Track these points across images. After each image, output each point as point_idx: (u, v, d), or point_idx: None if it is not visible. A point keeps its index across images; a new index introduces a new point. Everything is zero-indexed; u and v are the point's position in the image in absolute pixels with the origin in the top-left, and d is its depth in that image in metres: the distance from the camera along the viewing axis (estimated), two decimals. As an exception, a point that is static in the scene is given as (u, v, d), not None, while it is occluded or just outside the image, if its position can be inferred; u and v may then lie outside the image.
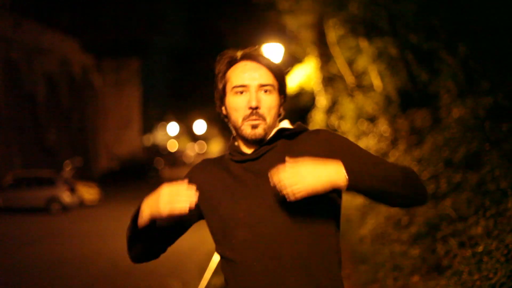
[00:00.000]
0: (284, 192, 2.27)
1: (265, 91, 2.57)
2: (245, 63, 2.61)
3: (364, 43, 17.02)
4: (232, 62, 2.64)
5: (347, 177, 2.30)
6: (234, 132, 2.69)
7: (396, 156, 13.29)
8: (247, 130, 2.57)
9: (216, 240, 2.64)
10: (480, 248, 5.37)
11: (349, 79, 19.43)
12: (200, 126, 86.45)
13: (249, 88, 2.56)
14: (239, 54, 2.65)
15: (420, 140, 12.30)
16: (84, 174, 40.77)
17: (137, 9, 52.67)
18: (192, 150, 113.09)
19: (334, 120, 20.97)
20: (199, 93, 62.96)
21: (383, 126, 16.14)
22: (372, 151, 15.38)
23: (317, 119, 22.27)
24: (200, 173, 2.76)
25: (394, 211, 9.66)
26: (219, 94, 2.68)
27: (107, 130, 56.36)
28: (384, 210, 10.57)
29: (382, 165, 2.45)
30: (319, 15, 20.01)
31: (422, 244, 7.37)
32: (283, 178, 2.26)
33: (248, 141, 2.62)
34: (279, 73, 2.64)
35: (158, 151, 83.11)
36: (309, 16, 20.85)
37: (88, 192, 33.13)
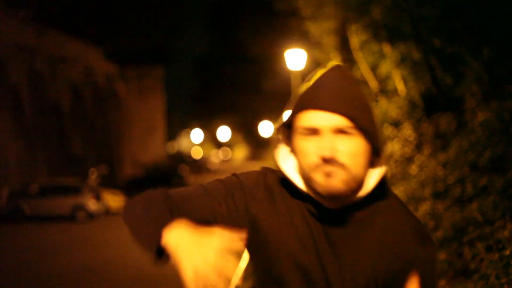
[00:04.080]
0: None
1: (345, 134, 1.93)
2: (322, 112, 1.95)
3: (387, 48, 17.04)
4: (303, 108, 1.99)
5: None
6: (295, 175, 2.08)
7: (421, 160, 13.28)
8: (318, 179, 1.94)
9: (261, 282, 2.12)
10: (507, 252, 5.37)
11: (373, 84, 19.44)
12: (224, 133, 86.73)
13: (322, 131, 1.94)
14: (312, 100, 1.98)
15: (445, 144, 12.29)
16: (109, 182, 41.08)
17: (159, 18, 52.99)
18: (217, 157, 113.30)
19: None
20: (223, 100, 63.18)
21: (407, 130, 16.12)
22: (397, 156, 15.43)
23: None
24: (265, 196, 2.12)
25: (420, 215, 9.66)
26: (286, 123, 2.09)
27: (131, 138, 56.68)
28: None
29: None
30: (341, 21, 20.07)
31: (448, 248, 7.37)
32: None
33: (321, 197, 1.99)
34: (363, 114, 1.97)
35: (183, 158, 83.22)
36: (332, 22, 20.92)
37: (114, 200, 33.42)
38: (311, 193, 2.03)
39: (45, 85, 38.64)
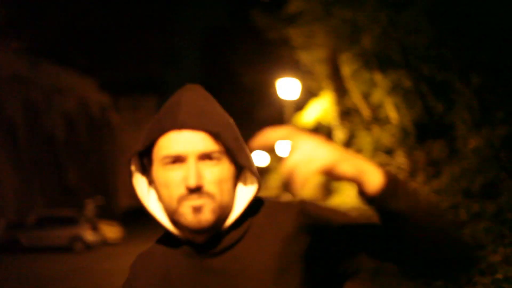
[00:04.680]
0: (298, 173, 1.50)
1: (210, 160, 1.79)
2: (180, 131, 1.78)
3: (378, 76, 17.23)
4: (163, 130, 1.80)
5: (385, 178, 1.56)
6: (164, 217, 1.89)
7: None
8: (186, 213, 1.77)
9: None
10: (499, 276, 5.53)
11: (365, 112, 19.61)
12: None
13: (186, 159, 1.78)
14: (172, 119, 1.80)
15: (437, 171, 12.46)
16: (105, 213, 41.19)
17: (152, 48, 53.38)
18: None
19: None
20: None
21: (400, 158, 16.28)
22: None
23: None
24: (142, 275, 2.01)
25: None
26: (144, 163, 1.90)
27: (126, 168, 57.05)
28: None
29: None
30: (332, 50, 20.31)
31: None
32: (295, 162, 1.50)
33: (190, 231, 1.83)
34: (227, 132, 1.83)
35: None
36: (323, 51, 21.16)
37: (111, 231, 33.59)
38: (177, 230, 1.89)
39: (40, 115, 38.87)
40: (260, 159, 35.22)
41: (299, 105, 27.95)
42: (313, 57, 22.27)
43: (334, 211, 1.89)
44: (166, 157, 1.77)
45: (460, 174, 10.28)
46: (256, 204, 1.93)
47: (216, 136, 1.78)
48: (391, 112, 17.46)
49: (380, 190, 1.55)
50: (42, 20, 38.96)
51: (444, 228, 1.62)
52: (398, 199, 1.56)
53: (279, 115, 33.24)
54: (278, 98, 27.13)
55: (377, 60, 16.62)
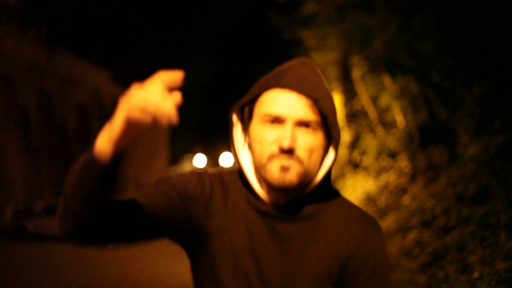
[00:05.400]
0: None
1: (306, 128, 1.89)
2: (284, 90, 1.89)
3: (387, 80, 17.42)
4: (268, 86, 1.92)
5: None
6: (251, 170, 2.01)
7: (414, 191, 13.66)
8: (274, 171, 1.87)
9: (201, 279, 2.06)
10: (475, 274, 5.82)
11: (372, 115, 19.80)
12: (227, 159, 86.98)
13: (284, 122, 1.88)
14: (278, 78, 1.92)
15: (436, 176, 12.70)
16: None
17: (167, 41, 53.48)
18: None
19: (356, 156, 21.38)
20: (227, 126, 63.73)
21: (403, 162, 16.49)
22: (392, 186, 15.82)
23: (339, 154, 22.59)
24: (218, 189, 2.06)
25: (408, 243, 10.07)
26: (244, 116, 2.02)
27: (135, 161, 57.00)
28: (398, 242, 10.98)
29: None
30: (343, 53, 20.50)
31: (428, 272, 7.81)
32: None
33: (271, 188, 1.93)
34: (328, 104, 1.93)
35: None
36: (335, 53, 21.35)
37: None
38: (260, 187, 1.99)
39: (53, 105, 39.09)
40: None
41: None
42: (325, 58, 22.46)
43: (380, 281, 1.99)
44: (266, 115, 1.89)
45: (457, 180, 10.52)
46: (338, 194, 2.06)
47: (315, 101, 1.87)
48: (398, 116, 17.65)
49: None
50: (58, 10, 39.12)
51: None
52: None
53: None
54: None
55: (386, 65, 16.81)
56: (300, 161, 1.86)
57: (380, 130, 19.08)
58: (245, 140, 2.02)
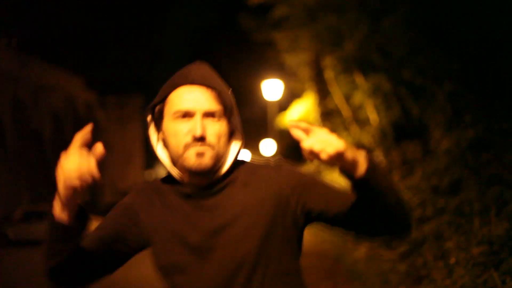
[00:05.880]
0: (320, 153, 1.99)
1: (212, 117, 2.23)
2: (190, 87, 2.24)
3: (360, 79, 17.64)
4: (175, 85, 2.27)
5: (368, 164, 2.08)
6: (168, 163, 2.32)
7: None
8: (190, 157, 2.19)
9: (166, 272, 2.35)
10: (452, 260, 6.29)
11: (346, 113, 20.03)
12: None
13: (194, 115, 2.21)
14: (184, 77, 2.27)
15: (411, 170, 13.08)
16: (90, 208, 41.43)
17: (139, 47, 53.50)
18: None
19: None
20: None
21: (378, 158, 16.81)
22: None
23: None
24: (145, 199, 2.40)
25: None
26: (155, 116, 2.34)
27: (111, 166, 56.95)
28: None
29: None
30: (316, 54, 20.70)
31: (408, 261, 8.27)
32: (313, 143, 2.00)
33: (191, 173, 2.25)
34: (227, 95, 2.28)
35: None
36: (307, 54, 21.56)
37: (95, 226, 33.87)
38: (180, 175, 2.30)
39: (28, 112, 39.07)
40: (268, 148, 35.56)
41: (283, 106, 28.44)
42: (297, 60, 22.65)
43: (314, 178, 2.33)
44: (177, 112, 2.22)
45: (431, 173, 10.93)
46: (245, 163, 2.39)
47: (219, 94, 2.24)
48: (371, 113, 17.90)
49: (366, 172, 2.05)
50: (31, 18, 39.06)
51: (398, 199, 2.15)
52: (376, 178, 2.07)
53: (263, 115, 33.69)
54: (263, 98, 27.63)
55: (358, 64, 17.06)
56: (211, 146, 2.20)
57: (354, 128, 19.35)
58: (158, 137, 2.36)
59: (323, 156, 1.99)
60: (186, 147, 2.20)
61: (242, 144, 2.34)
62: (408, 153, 14.33)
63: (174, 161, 2.29)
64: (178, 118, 2.22)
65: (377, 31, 14.95)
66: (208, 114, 2.22)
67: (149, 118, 2.34)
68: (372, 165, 2.08)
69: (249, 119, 45.76)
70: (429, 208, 9.22)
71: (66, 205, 2.08)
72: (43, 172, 40.24)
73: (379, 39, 14.92)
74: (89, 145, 1.98)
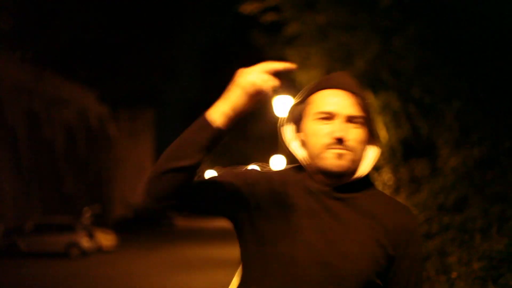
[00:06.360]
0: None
1: (354, 124, 2.26)
2: (334, 91, 2.28)
3: (370, 97, 17.79)
4: (319, 87, 2.32)
5: None
6: (304, 159, 2.34)
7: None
8: (329, 158, 2.22)
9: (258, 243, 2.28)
10: (454, 274, 6.45)
11: (356, 130, 20.09)
12: (211, 174, 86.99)
13: (335, 117, 2.24)
14: (328, 81, 2.33)
15: (419, 188, 13.20)
16: (101, 221, 41.72)
17: (152, 61, 53.74)
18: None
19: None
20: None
21: (387, 175, 16.91)
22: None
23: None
24: (267, 185, 2.35)
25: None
26: (294, 117, 2.39)
27: (122, 179, 57.16)
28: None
29: None
30: (327, 70, 20.84)
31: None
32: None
33: (326, 174, 2.26)
34: (368, 103, 2.30)
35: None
36: (318, 71, 21.72)
37: (106, 238, 34.16)
38: (313, 172, 2.30)
39: (41, 125, 39.35)
40: (278, 164, 35.94)
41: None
42: (308, 76, 22.81)
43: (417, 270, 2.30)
44: (320, 112, 2.26)
45: (438, 190, 11.06)
46: (378, 189, 2.40)
47: (361, 100, 2.26)
48: (381, 131, 18.03)
49: None
50: (45, 31, 39.39)
51: None
52: None
53: (274, 132, 33.86)
54: (274, 114, 27.79)
55: (368, 82, 17.19)
56: (350, 150, 2.22)
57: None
58: (296, 137, 2.39)
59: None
60: (326, 147, 2.22)
61: (379, 152, 2.35)
62: (416, 170, 14.45)
63: (311, 160, 2.30)
64: (319, 119, 2.26)
65: (387, 50, 15.08)
66: (350, 119, 2.24)
67: (283, 120, 2.41)
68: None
69: (260, 135, 45.92)
70: (434, 225, 9.36)
71: (231, 111, 2.16)
72: (55, 184, 40.49)
73: (389, 58, 15.06)
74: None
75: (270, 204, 2.28)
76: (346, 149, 2.21)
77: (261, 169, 2.48)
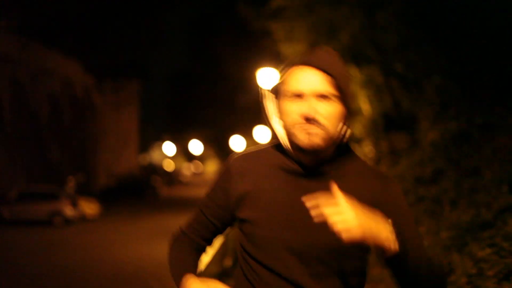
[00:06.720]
0: (339, 229, 2.00)
1: (324, 100, 2.26)
2: (305, 68, 2.29)
3: (353, 70, 17.94)
4: (293, 63, 2.34)
5: (397, 247, 2.12)
6: (284, 137, 2.38)
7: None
8: (300, 136, 2.26)
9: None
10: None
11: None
12: (196, 147, 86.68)
13: (305, 96, 2.26)
14: (302, 58, 2.34)
15: (398, 160, 13.46)
16: (84, 190, 41.86)
17: (138, 32, 53.47)
18: (188, 170, 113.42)
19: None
20: (196, 114, 63.59)
21: (367, 147, 17.15)
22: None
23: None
24: (250, 168, 2.44)
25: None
26: (274, 90, 2.43)
27: (106, 149, 57.12)
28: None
29: (424, 249, 2.31)
30: (311, 44, 20.98)
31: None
32: (338, 213, 2.01)
33: (300, 151, 2.31)
34: (343, 80, 2.29)
35: (155, 170, 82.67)
36: (303, 45, 21.84)
37: (89, 207, 34.22)
38: (291, 150, 2.34)
39: (26, 95, 39.25)
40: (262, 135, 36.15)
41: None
42: (293, 49, 22.90)
43: (407, 216, 2.39)
44: (290, 92, 2.30)
45: (416, 163, 11.32)
46: (358, 158, 2.46)
47: (333, 77, 2.25)
48: (364, 104, 18.21)
49: (394, 254, 2.11)
50: (31, 1, 39.06)
51: (430, 266, 2.25)
52: (405, 254, 2.13)
53: (258, 103, 33.85)
54: (258, 86, 27.86)
55: (352, 56, 17.34)
56: (321, 127, 2.24)
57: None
58: (276, 114, 2.43)
59: (343, 234, 2.01)
60: (296, 126, 2.26)
61: (347, 129, 2.37)
62: (396, 143, 14.69)
63: (288, 137, 2.35)
64: (291, 98, 2.29)
65: (371, 25, 15.24)
66: (321, 96, 2.25)
67: (266, 91, 2.46)
68: (402, 245, 2.13)
69: (245, 107, 45.95)
70: (411, 196, 9.62)
71: None
72: (39, 153, 40.49)
73: (373, 33, 15.22)
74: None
75: (250, 193, 2.38)
76: (317, 127, 2.24)
77: (242, 153, 2.54)
